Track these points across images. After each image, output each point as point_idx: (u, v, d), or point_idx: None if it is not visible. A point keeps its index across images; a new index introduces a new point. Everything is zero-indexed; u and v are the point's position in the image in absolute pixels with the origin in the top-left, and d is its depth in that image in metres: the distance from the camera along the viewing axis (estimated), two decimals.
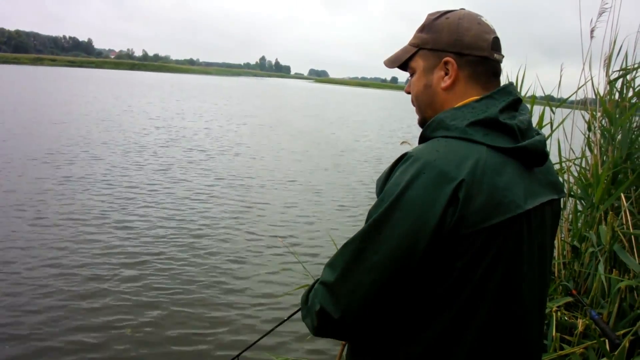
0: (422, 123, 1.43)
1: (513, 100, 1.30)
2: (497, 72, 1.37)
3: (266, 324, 5.01)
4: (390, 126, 28.52)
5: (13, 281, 5.53)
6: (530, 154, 1.27)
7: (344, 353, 1.47)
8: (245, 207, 9.21)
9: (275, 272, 6.46)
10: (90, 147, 13.72)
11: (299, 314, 1.75)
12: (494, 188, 1.18)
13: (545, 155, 1.32)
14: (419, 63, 1.40)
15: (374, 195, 1.28)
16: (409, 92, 1.49)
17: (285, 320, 2.18)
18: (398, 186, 1.19)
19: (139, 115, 22.94)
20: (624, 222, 3.32)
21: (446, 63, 1.35)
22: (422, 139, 1.35)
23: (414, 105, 1.47)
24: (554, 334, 2.63)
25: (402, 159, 1.25)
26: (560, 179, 3.07)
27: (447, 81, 1.35)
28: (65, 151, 12.92)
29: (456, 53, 1.34)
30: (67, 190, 9.40)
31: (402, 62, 1.45)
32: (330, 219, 9.01)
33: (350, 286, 1.23)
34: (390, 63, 1.49)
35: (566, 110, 4.41)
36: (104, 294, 5.41)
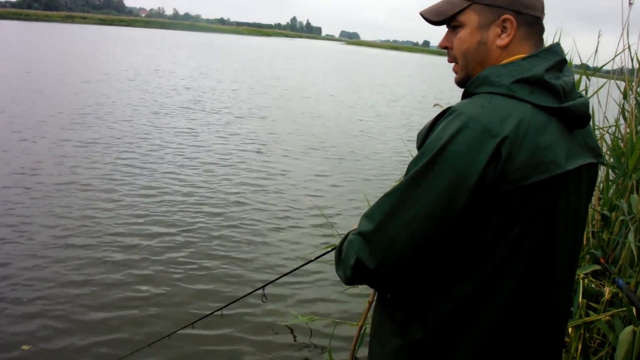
0: (464, 81, 1.41)
1: (559, 61, 1.30)
2: (542, 30, 1.37)
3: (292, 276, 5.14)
4: (422, 90, 28.12)
5: (35, 244, 5.69)
6: (573, 115, 1.27)
7: (371, 310, 1.51)
8: (271, 172, 9.18)
9: (304, 233, 6.55)
10: (116, 107, 13.77)
11: (327, 257, 1.79)
12: (536, 147, 1.18)
13: (587, 117, 1.31)
14: (471, 18, 1.35)
15: (405, 159, 1.29)
16: (445, 47, 1.44)
17: (312, 260, 2.22)
18: (440, 140, 1.19)
19: (167, 75, 22.94)
20: None
21: (505, 20, 1.32)
22: (466, 94, 1.34)
23: (453, 62, 1.44)
24: (580, 300, 2.63)
25: (445, 113, 1.25)
26: None
27: (505, 39, 1.32)
28: (90, 111, 13.00)
29: (515, 11, 1.31)
30: (91, 152, 9.49)
31: (450, 15, 1.37)
32: (358, 183, 8.99)
33: (387, 238, 1.25)
34: (434, 15, 1.41)
35: (602, 80, 4.33)
36: (142, 244, 5.59)
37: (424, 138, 1.28)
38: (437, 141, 1.20)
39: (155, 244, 5.72)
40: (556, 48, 1.33)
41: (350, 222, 6.50)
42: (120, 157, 9.13)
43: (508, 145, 1.15)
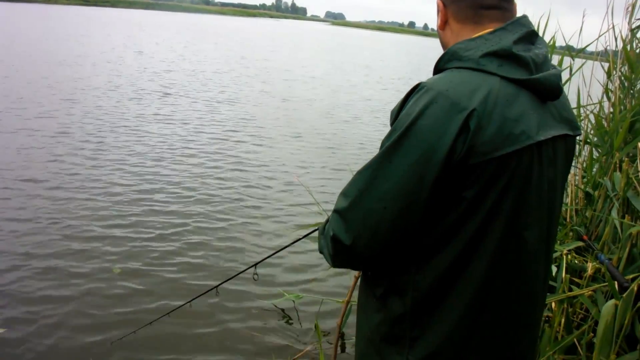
0: None
1: (527, 33, 1.30)
2: (492, 4, 1.35)
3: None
4: (408, 73, 28.07)
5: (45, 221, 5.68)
6: (543, 86, 1.27)
7: (357, 285, 1.53)
8: (259, 156, 9.12)
9: (293, 213, 6.58)
10: (100, 91, 13.61)
11: (311, 237, 1.81)
12: (505, 119, 1.19)
13: (559, 89, 1.32)
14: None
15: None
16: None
17: (301, 238, 2.24)
18: (410, 116, 1.21)
19: (149, 58, 22.68)
20: (639, 169, 3.32)
21: (438, 5, 1.43)
22: (437, 70, 1.35)
23: None
24: (563, 276, 2.68)
25: (416, 89, 1.26)
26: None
27: (438, 21, 1.45)
28: (68, 96, 12.77)
29: None
30: (69, 138, 9.44)
31: None
32: (347, 164, 9.00)
33: (362, 213, 1.27)
34: None
35: (587, 63, 4.37)
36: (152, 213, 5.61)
37: (396, 114, 1.29)
38: (407, 116, 1.21)
39: (148, 226, 5.72)
40: (522, 20, 1.33)
41: None
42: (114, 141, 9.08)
43: (476, 118, 1.16)
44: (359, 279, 1.59)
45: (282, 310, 4.39)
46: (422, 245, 1.26)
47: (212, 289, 2.94)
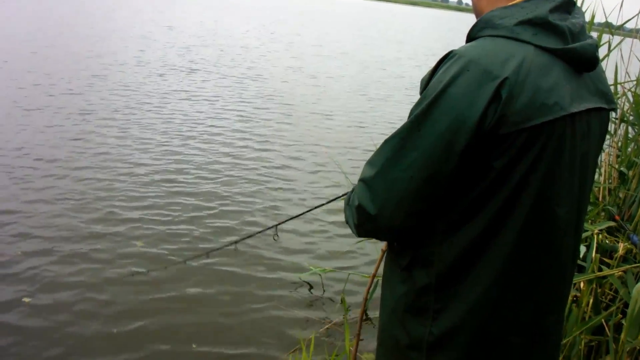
0: None
1: (564, 1, 1.26)
2: None
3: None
4: (440, 50, 27.61)
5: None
6: (579, 56, 1.24)
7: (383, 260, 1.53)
8: (288, 130, 9.10)
9: (320, 185, 6.63)
10: (128, 67, 13.68)
11: (335, 204, 1.81)
12: (537, 88, 1.16)
13: (595, 59, 1.28)
14: None
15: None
16: None
17: (324, 204, 2.25)
18: (440, 83, 1.18)
19: (179, 33, 22.65)
20: None
21: None
22: (469, 39, 1.31)
23: None
24: (593, 255, 2.64)
25: (447, 57, 1.24)
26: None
27: None
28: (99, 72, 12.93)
29: None
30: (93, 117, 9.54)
31: None
32: (376, 141, 8.94)
33: (388, 182, 1.26)
34: None
35: (626, 40, 4.25)
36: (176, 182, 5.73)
37: (426, 82, 1.27)
38: (437, 84, 1.19)
39: (175, 207, 5.73)
40: None
41: None
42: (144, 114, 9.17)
43: (508, 87, 1.13)
44: (384, 253, 1.59)
45: (309, 284, 4.43)
46: (448, 216, 1.25)
47: (231, 243, 2.98)
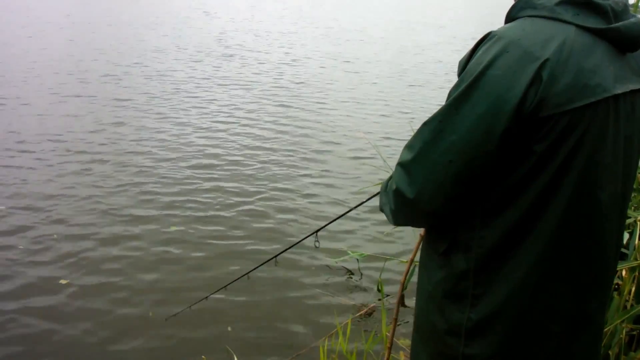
0: None
1: None
2: None
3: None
4: (481, 34, 26.91)
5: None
6: (623, 36, 1.20)
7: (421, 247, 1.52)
8: (324, 117, 9.01)
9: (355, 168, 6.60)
10: (165, 54, 13.79)
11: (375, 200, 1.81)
12: (580, 69, 1.13)
13: (639, 39, 1.23)
14: None
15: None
16: None
17: (364, 202, 2.23)
18: (479, 65, 1.16)
19: (215, 19, 22.70)
20: None
21: None
22: (508, 19, 1.29)
23: None
24: (636, 242, 2.58)
25: (486, 38, 1.22)
26: None
27: None
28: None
29: None
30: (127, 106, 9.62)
31: None
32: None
33: (427, 166, 1.24)
34: None
35: None
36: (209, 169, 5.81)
37: (464, 65, 1.25)
38: (476, 65, 1.17)
39: (209, 194, 5.78)
40: None
41: None
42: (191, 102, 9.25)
43: (549, 69, 1.11)
44: (422, 238, 1.58)
45: (346, 269, 4.45)
46: (487, 200, 1.23)
47: (271, 258, 2.90)
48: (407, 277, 2.40)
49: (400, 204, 1.34)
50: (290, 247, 2.87)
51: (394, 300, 3.98)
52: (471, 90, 1.17)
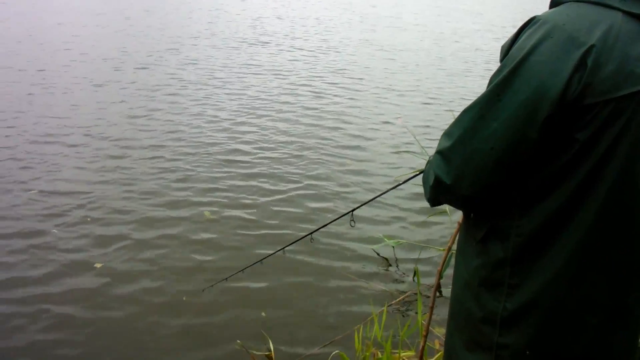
0: None
1: None
2: None
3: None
4: (520, 22, 26.33)
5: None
6: None
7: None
8: (360, 107, 8.90)
9: (394, 158, 6.58)
10: (199, 40, 13.85)
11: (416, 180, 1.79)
12: (626, 57, 1.10)
13: None
14: None
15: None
16: None
17: (400, 184, 2.23)
18: (522, 50, 1.15)
19: (250, 4, 22.68)
20: None
21: None
22: (553, 4, 1.27)
23: None
24: None
25: (530, 22, 1.20)
26: None
27: None
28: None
29: None
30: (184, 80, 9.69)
31: None
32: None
33: (467, 153, 1.24)
34: None
35: None
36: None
37: (507, 50, 1.23)
38: (519, 51, 1.16)
39: (245, 176, 5.88)
40: None
41: None
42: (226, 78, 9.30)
43: (595, 55, 1.09)
44: (460, 226, 1.57)
45: (380, 255, 4.44)
46: (527, 188, 1.23)
47: (306, 235, 2.92)
48: (444, 266, 2.39)
49: (439, 190, 1.34)
50: (326, 225, 2.89)
51: (429, 289, 3.97)
52: (513, 76, 1.16)
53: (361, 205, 2.57)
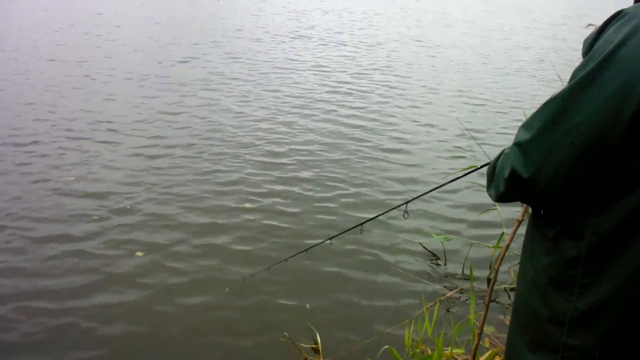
0: None
1: None
2: None
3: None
4: (569, 21, 25.66)
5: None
6: None
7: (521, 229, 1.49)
8: (412, 107, 8.67)
9: (447, 154, 6.52)
10: (243, 33, 13.88)
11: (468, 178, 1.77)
12: None
13: None
14: None
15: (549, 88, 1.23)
16: None
17: (460, 177, 2.22)
18: (610, 44, 1.13)
19: None
20: None
21: None
22: None
23: None
24: None
25: (616, 16, 1.18)
26: None
27: None
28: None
29: None
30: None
31: None
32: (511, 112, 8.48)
33: (547, 146, 1.22)
34: None
35: None
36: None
37: (590, 44, 1.21)
38: (605, 46, 1.13)
39: (304, 159, 5.96)
40: None
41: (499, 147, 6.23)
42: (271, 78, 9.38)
43: None
44: (519, 224, 1.55)
45: (429, 250, 4.41)
46: (607, 185, 1.20)
47: (357, 225, 2.91)
48: (501, 262, 2.36)
49: (514, 183, 1.32)
50: (378, 216, 2.91)
51: (479, 286, 3.93)
52: (600, 70, 1.13)
53: (416, 198, 2.58)
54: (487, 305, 2.32)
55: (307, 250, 3.35)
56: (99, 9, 16.50)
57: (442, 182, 2.47)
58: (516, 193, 1.37)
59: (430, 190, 2.48)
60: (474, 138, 4.43)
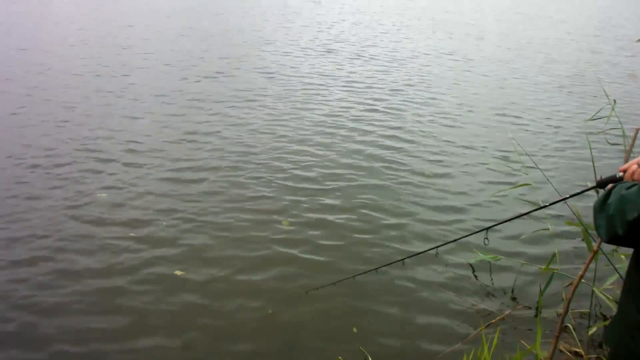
0: None
1: None
2: None
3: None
4: (600, 29, 25.14)
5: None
6: None
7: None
8: (456, 127, 8.27)
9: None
10: (275, 45, 13.83)
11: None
12: None
13: None
14: None
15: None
16: None
17: (545, 206, 2.15)
18: None
19: (326, 10, 22.69)
20: None
21: None
22: None
23: None
24: None
25: None
26: None
27: None
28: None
29: None
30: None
31: None
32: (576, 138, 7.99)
33: None
34: None
35: None
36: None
37: None
38: None
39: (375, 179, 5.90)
40: None
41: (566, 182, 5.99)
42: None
43: None
44: (595, 254, 1.49)
45: (477, 273, 4.31)
46: None
47: (433, 248, 2.93)
48: (545, 289, 2.29)
49: (631, 229, 1.26)
50: (454, 240, 2.96)
51: (525, 311, 3.80)
52: None
53: (495, 225, 2.55)
54: (557, 337, 2.25)
55: (376, 269, 3.45)
56: (128, 20, 16.73)
57: (522, 211, 2.45)
58: (632, 240, 1.30)
59: (511, 219, 2.47)
60: (535, 164, 4.17)
